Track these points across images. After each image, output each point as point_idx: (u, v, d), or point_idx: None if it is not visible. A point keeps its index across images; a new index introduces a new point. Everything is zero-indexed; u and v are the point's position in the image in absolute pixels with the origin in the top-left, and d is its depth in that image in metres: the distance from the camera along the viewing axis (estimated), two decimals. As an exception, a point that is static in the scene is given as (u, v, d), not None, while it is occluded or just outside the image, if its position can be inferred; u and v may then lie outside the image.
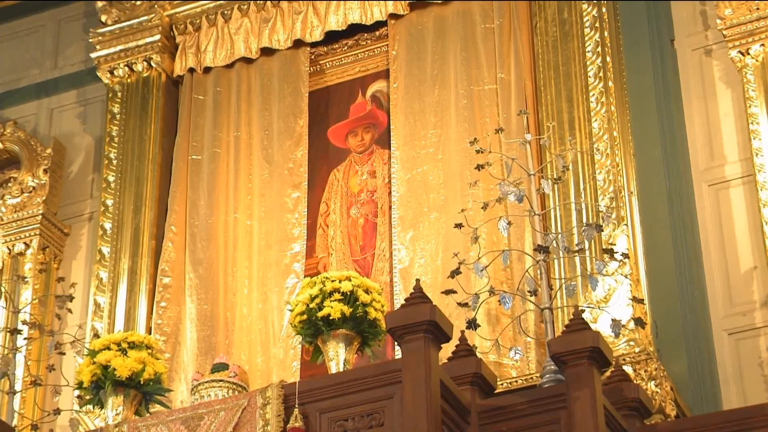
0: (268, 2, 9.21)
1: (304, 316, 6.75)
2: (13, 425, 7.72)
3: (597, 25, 8.15)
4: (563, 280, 7.23)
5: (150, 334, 7.72)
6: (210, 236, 8.74)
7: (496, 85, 8.39)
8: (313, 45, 9.15)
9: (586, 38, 8.13)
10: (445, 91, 8.57)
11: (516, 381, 7.42)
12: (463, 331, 6.66)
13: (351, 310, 6.67)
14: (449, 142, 8.41)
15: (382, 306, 6.77)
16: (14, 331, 8.27)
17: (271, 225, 8.63)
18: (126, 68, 9.39)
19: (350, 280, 6.76)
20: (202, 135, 9.08)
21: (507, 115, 8.20)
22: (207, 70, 9.26)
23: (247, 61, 9.17)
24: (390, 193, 8.51)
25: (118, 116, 9.31)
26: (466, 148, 8.20)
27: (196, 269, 8.65)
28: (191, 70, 9.31)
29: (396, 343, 6.25)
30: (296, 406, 6.16)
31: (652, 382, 7.15)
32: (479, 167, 7.09)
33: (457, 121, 8.43)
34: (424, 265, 8.11)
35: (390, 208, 8.46)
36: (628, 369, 7.04)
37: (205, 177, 8.94)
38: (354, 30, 9.07)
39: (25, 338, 8.34)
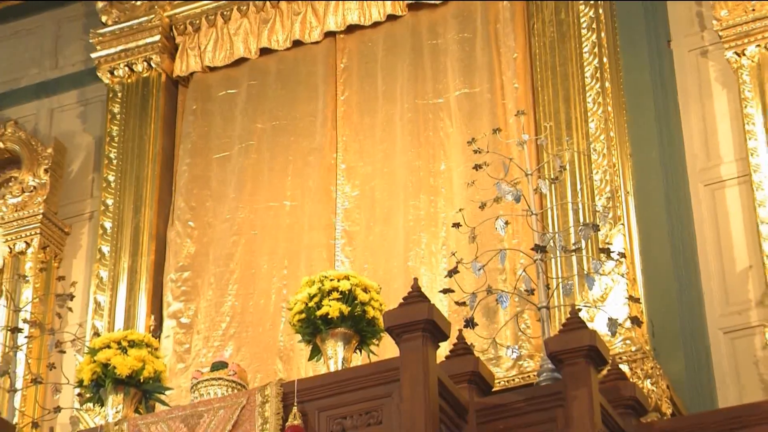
0: (267, 3, 9.22)
1: (303, 315, 6.76)
2: (14, 423, 7.74)
3: (594, 26, 8.16)
4: (560, 280, 7.24)
5: (151, 333, 7.71)
6: (241, 228, 8.69)
7: (443, 99, 8.46)
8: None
9: (584, 39, 8.15)
10: (391, 105, 8.62)
11: (513, 379, 7.45)
12: (460, 330, 6.67)
13: (349, 308, 6.68)
14: (394, 155, 8.46)
15: (381, 305, 6.78)
16: (15, 330, 8.29)
17: (314, 209, 8.59)
18: (126, 68, 9.40)
19: (348, 279, 6.78)
20: (233, 129, 9.03)
21: (473, 127, 8.21)
22: (240, 61, 9.19)
23: (295, 44, 9.07)
24: (335, 206, 8.52)
25: (118, 116, 9.32)
26: (411, 162, 8.34)
27: (226, 262, 8.61)
28: (211, 68, 9.27)
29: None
30: (295, 404, 6.17)
31: (649, 380, 7.16)
32: (477, 167, 7.11)
33: (401, 135, 8.49)
34: (366, 276, 8.12)
35: (335, 221, 8.48)
36: (624, 367, 7.05)
37: (237, 170, 8.89)
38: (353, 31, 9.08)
39: (25, 337, 8.36)
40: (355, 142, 8.66)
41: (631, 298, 7.26)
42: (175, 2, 9.47)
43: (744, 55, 8.03)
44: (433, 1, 8.78)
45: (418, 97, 8.57)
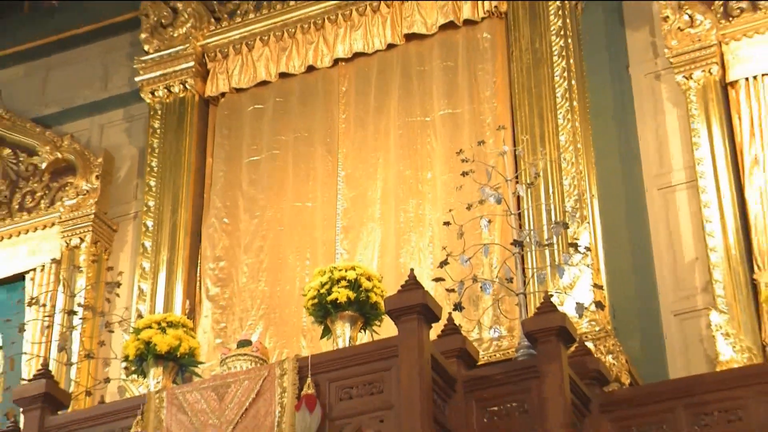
0: (285, 34, 9.22)
1: (316, 300, 6.77)
2: (70, 392, 7.75)
3: (564, 54, 8.15)
4: (535, 270, 7.24)
5: (186, 315, 7.70)
6: (270, 225, 8.65)
7: (429, 117, 8.45)
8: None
9: (555, 65, 8.14)
10: (384, 121, 8.61)
11: (495, 355, 7.44)
12: (450, 313, 6.67)
13: (355, 294, 6.69)
14: (387, 164, 8.45)
15: (382, 291, 6.78)
16: (71, 312, 8.31)
17: (327, 209, 8.55)
18: (165, 90, 9.39)
19: (355, 269, 6.78)
20: (261, 137, 9.01)
21: (456, 142, 8.20)
22: (264, 82, 9.18)
23: (309, 68, 9.09)
24: (336, 206, 8.51)
25: (158, 131, 9.30)
26: (401, 171, 8.34)
27: (257, 253, 8.58)
28: (237, 90, 9.25)
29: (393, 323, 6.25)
30: (309, 376, 6.17)
31: (610, 355, 7.15)
32: (464, 174, 7.14)
33: (394, 147, 8.48)
34: None
35: (336, 219, 8.47)
36: (589, 345, 7.04)
37: (265, 175, 8.86)
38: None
39: (80, 318, 8.37)
40: (353, 153, 8.65)
41: (595, 285, 7.26)
42: (207, 33, 9.47)
43: (691, 78, 8.02)
44: (425, 33, 8.77)
45: (408, 116, 8.56)
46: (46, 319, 8.80)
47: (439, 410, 6.12)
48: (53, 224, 9.45)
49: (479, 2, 8.61)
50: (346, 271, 6.76)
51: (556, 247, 7.41)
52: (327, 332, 6.85)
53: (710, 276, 7.51)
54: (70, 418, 6.86)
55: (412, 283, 6.19)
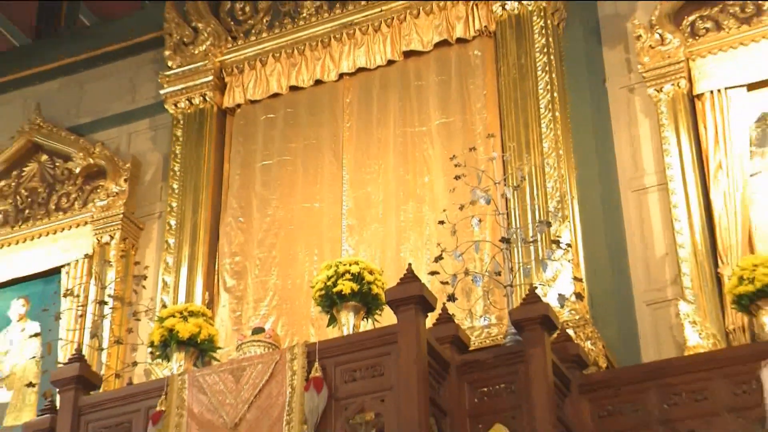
0: (295, 51, 9.19)
1: (323, 292, 6.75)
2: (101, 374, 7.74)
3: (547, 69, 8.14)
4: (521, 264, 7.22)
5: (206, 305, 7.67)
6: (281, 224, 8.61)
7: (426, 127, 8.41)
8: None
9: (539, 79, 8.12)
10: (385, 130, 8.57)
11: (484, 341, 7.42)
12: (444, 303, 6.65)
13: (358, 287, 6.68)
14: (388, 169, 8.42)
15: (383, 284, 6.77)
16: (102, 303, 8.30)
17: (334, 210, 8.51)
18: (187, 102, 9.37)
19: (358, 264, 6.78)
20: (273, 144, 8.97)
21: (448, 150, 8.16)
22: (276, 95, 9.14)
23: (316, 82, 9.04)
24: (342, 207, 8.47)
25: (180, 138, 9.28)
26: (401, 176, 8.31)
27: (269, 249, 8.55)
28: (252, 101, 9.21)
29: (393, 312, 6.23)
30: (317, 360, 6.16)
31: (589, 341, 7.15)
32: (457, 177, 7.12)
33: (394, 153, 8.46)
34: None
35: (341, 218, 8.43)
36: (570, 332, 7.04)
37: (276, 178, 8.82)
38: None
39: (110, 308, 8.37)
40: (356, 159, 8.62)
41: (575, 278, 7.26)
42: (225, 51, 9.45)
43: (662, 91, 8.00)
44: (422, 50, 8.75)
45: (407, 125, 8.54)
46: (80, 308, 8.81)
47: (435, 391, 6.11)
48: (86, 223, 9.44)
49: (471, 22, 8.59)
50: (350, 265, 6.75)
51: (540, 243, 7.39)
52: (333, 321, 6.83)
53: (679, 269, 7.49)
54: (102, 398, 6.87)
55: (410, 277, 6.18)
